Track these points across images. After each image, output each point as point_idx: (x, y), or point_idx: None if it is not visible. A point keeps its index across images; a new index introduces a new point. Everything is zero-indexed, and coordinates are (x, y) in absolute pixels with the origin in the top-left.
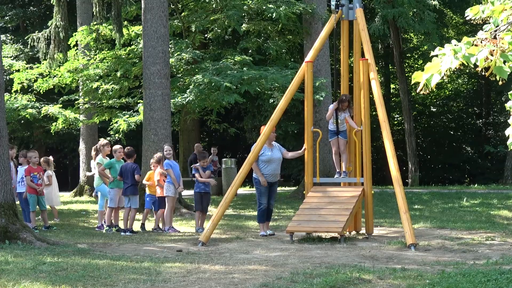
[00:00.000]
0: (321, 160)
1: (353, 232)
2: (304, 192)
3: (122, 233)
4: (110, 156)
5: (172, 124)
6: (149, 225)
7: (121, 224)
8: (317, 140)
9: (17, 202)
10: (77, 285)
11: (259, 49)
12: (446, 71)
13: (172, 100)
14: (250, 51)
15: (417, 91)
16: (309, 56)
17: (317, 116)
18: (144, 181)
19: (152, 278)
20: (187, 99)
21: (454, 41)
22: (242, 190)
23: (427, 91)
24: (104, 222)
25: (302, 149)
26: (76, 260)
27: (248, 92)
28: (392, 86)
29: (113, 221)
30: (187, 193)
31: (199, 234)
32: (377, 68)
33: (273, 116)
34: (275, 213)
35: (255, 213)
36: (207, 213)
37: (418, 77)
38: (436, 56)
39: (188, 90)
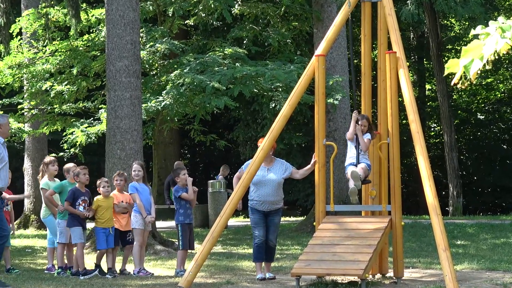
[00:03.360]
0: (336, 182)
1: (378, 275)
2: (314, 223)
3: (81, 277)
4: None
5: (144, 136)
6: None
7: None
8: (331, 156)
9: None
10: None
11: (256, 38)
12: (491, 55)
13: (144, 105)
14: (245, 41)
15: (452, 83)
16: (320, 48)
17: (331, 125)
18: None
19: None
20: (163, 104)
21: (501, 18)
22: (234, 221)
23: (465, 85)
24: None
25: (312, 161)
26: None
27: (242, 94)
28: (427, 86)
29: (66, 261)
30: (164, 224)
31: (179, 277)
32: (408, 63)
33: (274, 126)
34: (277, 250)
35: (251, 250)
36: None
37: (453, 66)
38: (477, 38)
39: (164, 92)
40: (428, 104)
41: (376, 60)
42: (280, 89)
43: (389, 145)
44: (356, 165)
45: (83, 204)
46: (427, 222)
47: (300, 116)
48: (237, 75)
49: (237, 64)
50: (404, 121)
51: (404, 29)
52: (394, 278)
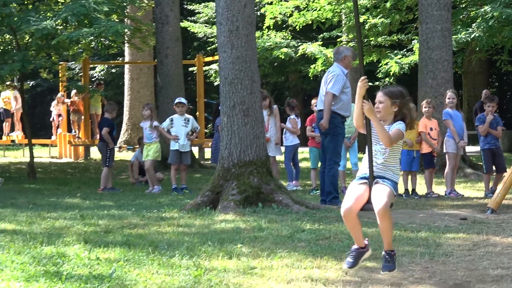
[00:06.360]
0: None
1: None
2: None
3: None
4: None
5: (453, 65)
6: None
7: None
8: None
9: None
10: (342, 257)
11: None
12: None
13: (454, 37)
14: None
15: None
16: None
17: None
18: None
19: (431, 251)
20: (472, 35)
21: None
22: None
23: None
24: None
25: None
26: (340, 227)
27: None
28: None
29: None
30: (473, 149)
31: (488, 199)
32: None
33: None
34: None
35: None
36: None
37: None
38: None
39: (474, 25)
40: None
41: None
42: None
43: None
44: (369, 182)
45: None
46: None
47: None
48: None
49: None
50: None
51: None
52: None
